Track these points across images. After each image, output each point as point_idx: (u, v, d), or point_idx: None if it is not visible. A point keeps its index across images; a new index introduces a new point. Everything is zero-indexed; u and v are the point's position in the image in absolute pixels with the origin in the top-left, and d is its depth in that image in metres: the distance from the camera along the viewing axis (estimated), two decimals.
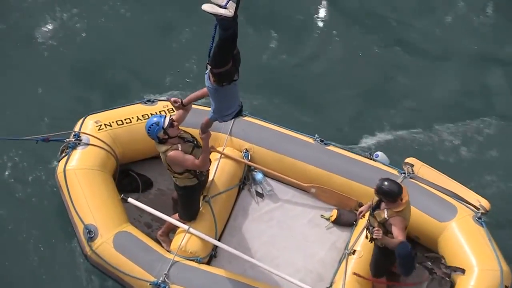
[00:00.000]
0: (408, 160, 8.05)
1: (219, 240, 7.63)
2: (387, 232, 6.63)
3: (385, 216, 6.61)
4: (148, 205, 7.60)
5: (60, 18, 10.36)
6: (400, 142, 9.46)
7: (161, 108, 8.03)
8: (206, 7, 5.20)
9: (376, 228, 6.55)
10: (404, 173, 7.82)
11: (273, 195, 8.22)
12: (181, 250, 7.35)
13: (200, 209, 7.47)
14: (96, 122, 7.86)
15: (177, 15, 10.41)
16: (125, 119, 7.93)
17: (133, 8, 10.49)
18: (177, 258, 7.30)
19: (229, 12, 5.20)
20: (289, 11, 10.62)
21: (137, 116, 7.96)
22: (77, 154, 7.62)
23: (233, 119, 6.95)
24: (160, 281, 7.17)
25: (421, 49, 10.33)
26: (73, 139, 7.68)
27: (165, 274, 7.19)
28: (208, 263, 7.62)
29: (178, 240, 7.43)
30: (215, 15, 5.22)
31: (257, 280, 7.45)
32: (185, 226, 7.43)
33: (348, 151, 8.10)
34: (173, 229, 7.64)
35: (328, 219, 8.08)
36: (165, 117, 6.67)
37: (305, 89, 9.95)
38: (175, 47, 10.19)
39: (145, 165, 8.22)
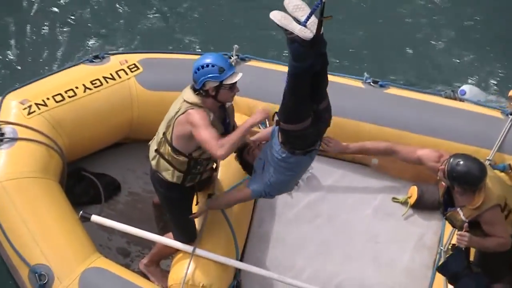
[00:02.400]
0: None
1: (241, 260, 6.50)
2: (478, 225, 5.80)
3: (463, 218, 5.75)
4: (119, 221, 6.39)
5: None
6: (495, 67, 8.13)
7: (118, 66, 6.94)
8: (276, 15, 4.49)
9: (460, 233, 5.75)
10: None
11: (313, 179, 6.92)
12: (187, 285, 6.06)
13: (209, 216, 6.32)
14: (22, 103, 6.61)
15: None
16: (66, 92, 6.64)
17: None
18: None
19: (304, 32, 4.42)
20: None
21: (84, 84, 6.71)
22: (1, 157, 6.36)
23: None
24: None
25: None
26: None
27: None
28: None
29: (181, 270, 6.10)
30: (285, 30, 4.50)
31: None
32: (189, 248, 6.14)
33: (418, 92, 6.93)
34: (165, 255, 6.52)
35: (405, 203, 6.81)
36: (233, 67, 5.50)
37: None
38: None
39: (105, 158, 7.15)
